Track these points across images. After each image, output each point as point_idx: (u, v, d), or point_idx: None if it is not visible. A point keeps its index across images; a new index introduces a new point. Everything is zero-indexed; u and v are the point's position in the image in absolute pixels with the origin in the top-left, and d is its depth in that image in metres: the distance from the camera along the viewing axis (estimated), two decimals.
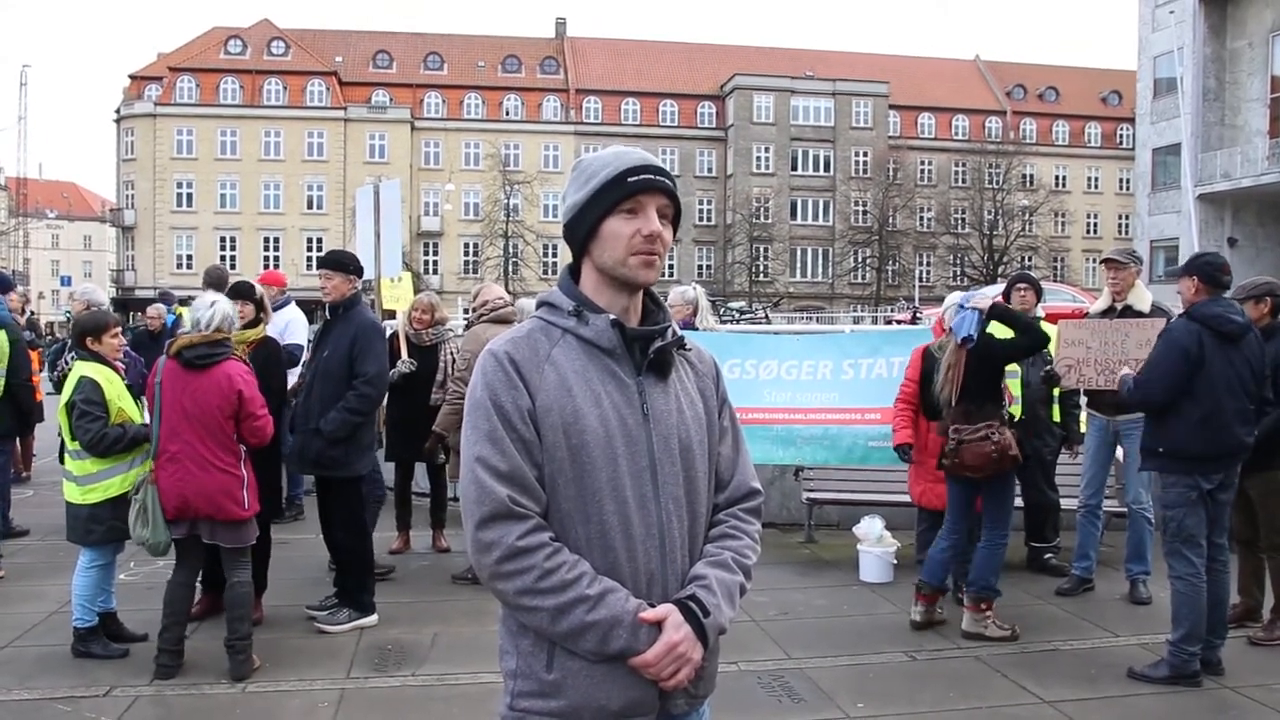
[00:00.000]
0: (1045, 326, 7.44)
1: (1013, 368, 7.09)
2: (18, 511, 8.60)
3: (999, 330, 6.12)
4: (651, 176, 2.02)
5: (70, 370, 5.70)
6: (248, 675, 5.21)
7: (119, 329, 5.86)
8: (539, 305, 2.11)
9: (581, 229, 2.04)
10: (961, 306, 5.99)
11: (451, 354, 7.79)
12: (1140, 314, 6.69)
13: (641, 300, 2.11)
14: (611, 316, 2.02)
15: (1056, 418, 7.52)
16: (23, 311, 9.19)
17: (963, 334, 5.86)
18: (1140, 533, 6.69)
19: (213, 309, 5.34)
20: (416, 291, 8.45)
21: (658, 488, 2.01)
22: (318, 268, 6.47)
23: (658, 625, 1.95)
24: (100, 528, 5.47)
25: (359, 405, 6.01)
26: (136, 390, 6.11)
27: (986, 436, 5.75)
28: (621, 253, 2.01)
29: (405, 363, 7.47)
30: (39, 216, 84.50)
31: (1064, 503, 7.52)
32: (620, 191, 2.00)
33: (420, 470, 8.29)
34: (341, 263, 6.30)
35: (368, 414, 6.14)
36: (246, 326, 6.21)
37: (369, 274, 7.42)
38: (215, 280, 8.34)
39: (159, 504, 5.15)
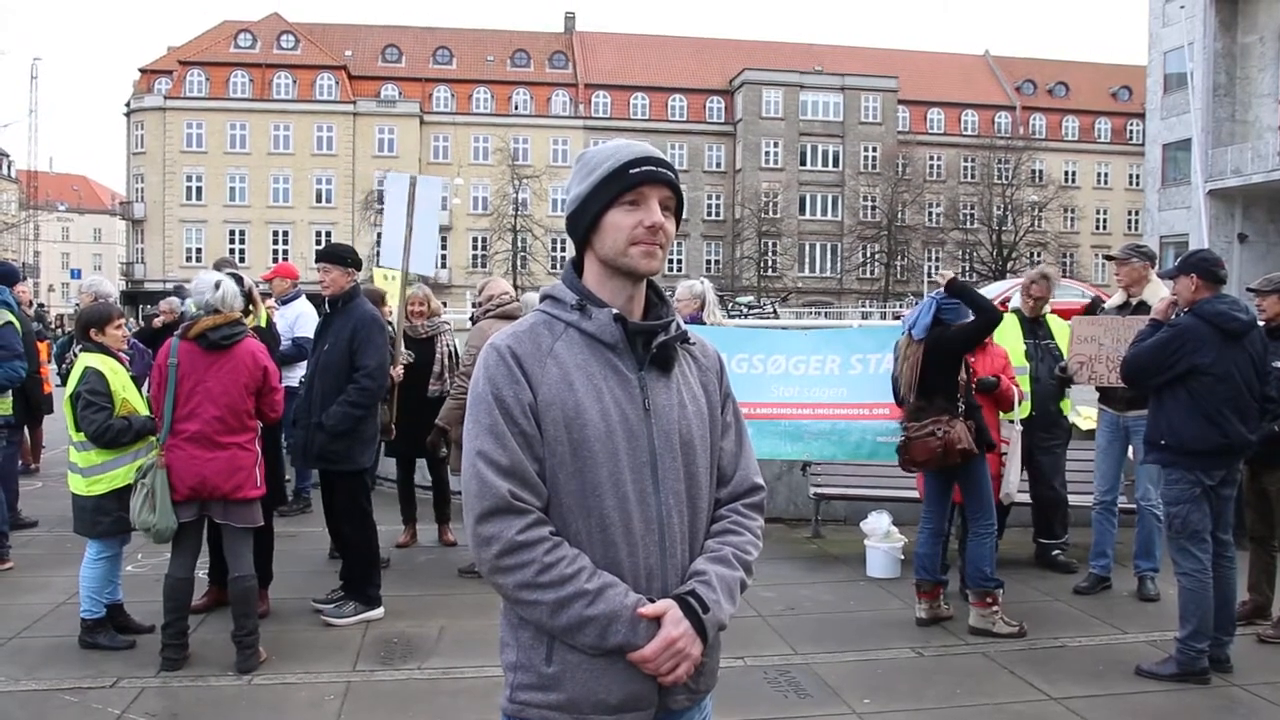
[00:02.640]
0: (1054, 321, 7.47)
1: (1020, 363, 7.10)
2: (26, 503, 8.62)
3: (1005, 328, 6.15)
4: (653, 168, 2.01)
5: (76, 362, 5.70)
6: (255, 668, 5.23)
7: (123, 320, 5.86)
8: (542, 299, 2.11)
9: (584, 221, 2.04)
10: (933, 300, 6.08)
11: (448, 346, 7.78)
12: None
13: (645, 294, 2.10)
14: (614, 310, 2.02)
15: (1066, 410, 7.51)
16: (30, 304, 9.20)
17: (908, 326, 5.99)
18: (1149, 530, 6.67)
19: (220, 290, 5.35)
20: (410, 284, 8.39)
21: (658, 482, 2.00)
22: (315, 261, 6.44)
23: (657, 620, 1.94)
24: (107, 519, 5.47)
25: (360, 398, 5.99)
26: (143, 381, 6.12)
27: (931, 432, 5.84)
28: (623, 243, 2.00)
29: (403, 354, 7.45)
30: (49, 209, 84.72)
31: (1072, 498, 7.51)
32: (622, 183, 1.99)
33: (422, 464, 8.28)
34: (340, 256, 6.28)
35: (369, 407, 6.11)
36: None
37: (396, 264, 7.41)
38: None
39: (168, 487, 5.12)
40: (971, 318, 5.92)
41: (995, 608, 5.96)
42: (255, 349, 5.40)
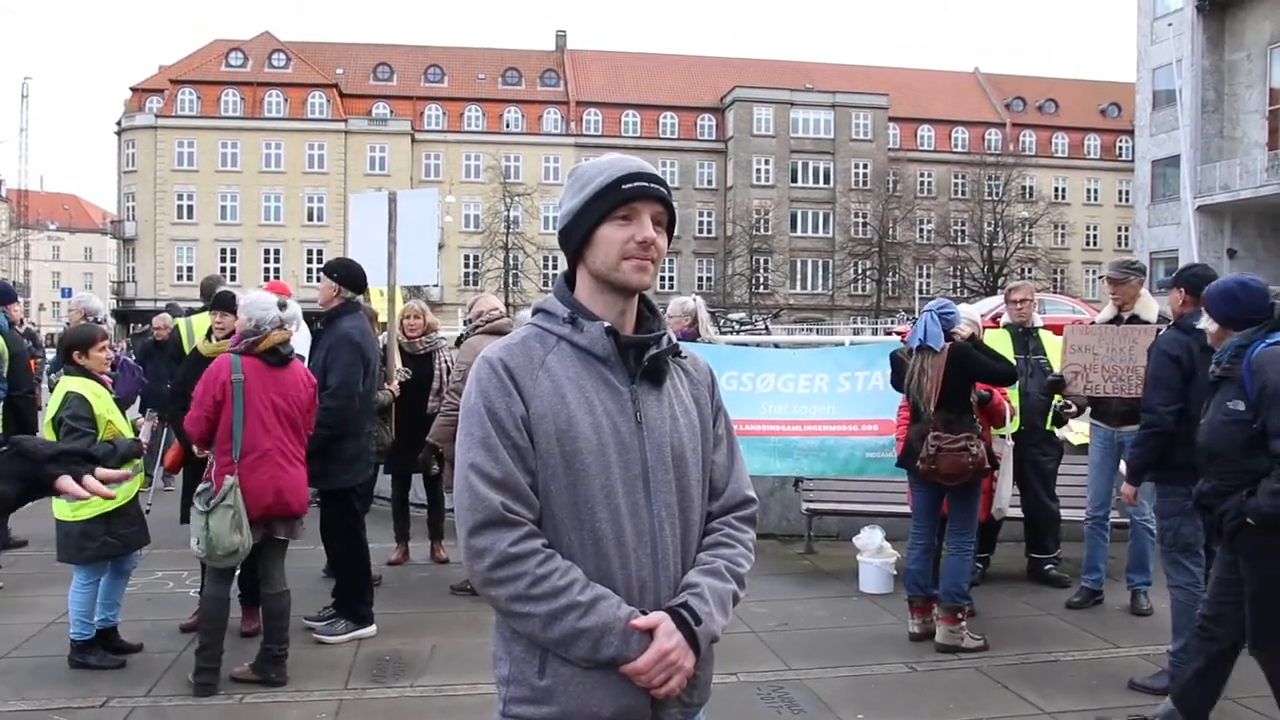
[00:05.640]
0: (1046, 335, 7.49)
1: None
2: (14, 522, 8.56)
3: (997, 343, 6.18)
4: (646, 184, 2.02)
5: (57, 385, 5.62)
6: (286, 681, 5.25)
7: (107, 343, 5.76)
8: (534, 312, 2.12)
9: (576, 235, 2.05)
10: (930, 313, 6.09)
11: (446, 363, 7.76)
12: (1147, 323, 6.69)
13: (637, 307, 2.11)
14: (606, 324, 2.02)
15: (1050, 426, 7.50)
16: (21, 323, 9.18)
17: (917, 339, 6.06)
18: (1141, 543, 6.67)
19: (290, 309, 5.50)
20: (404, 300, 8.41)
21: (650, 495, 2.01)
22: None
23: (649, 633, 1.94)
24: (93, 544, 5.39)
25: (323, 418, 5.83)
26: (139, 399, 6.07)
27: (965, 448, 5.84)
28: (615, 258, 2.01)
29: (400, 371, 7.44)
30: (40, 228, 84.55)
31: (1064, 513, 7.51)
32: (615, 198, 2.00)
33: (418, 481, 8.26)
34: (331, 269, 6.32)
35: (334, 427, 5.92)
36: (228, 338, 6.01)
37: (380, 282, 7.42)
38: (209, 290, 8.33)
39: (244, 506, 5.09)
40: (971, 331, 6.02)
41: (963, 622, 5.98)
42: (302, 367, 5.53)
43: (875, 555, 7.26)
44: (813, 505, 8.23)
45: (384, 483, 8.48)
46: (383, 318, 7.85)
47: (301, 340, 9.09)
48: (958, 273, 61.31)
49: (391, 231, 7.34)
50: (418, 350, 7.74)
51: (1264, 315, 4.29)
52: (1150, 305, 6.82)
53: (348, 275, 6.32)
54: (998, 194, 60.04)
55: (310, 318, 9.27)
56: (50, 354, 14.20)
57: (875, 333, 34.00)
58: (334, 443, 5.96)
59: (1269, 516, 4.02)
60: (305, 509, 5.43)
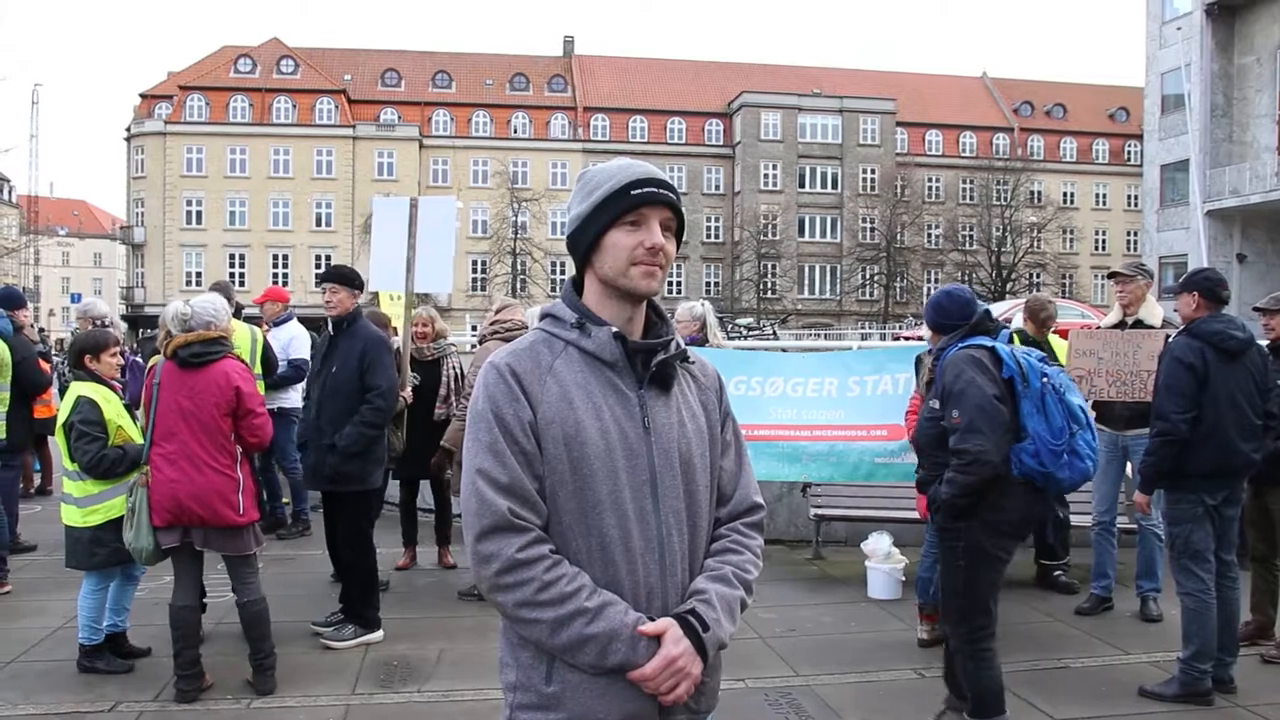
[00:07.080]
0: (1056, 341, 7.47)
1: None
2: (24, 526, 8.59)
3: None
4: (655, 189, 2.02)
5: (68, 390, 5.62)
6: (274, 689, 5.21)
7: (118, 348, 5.78)
8: (542, 317, 2.12)
9: (584, 240, 2.04)
10: None
11: (455, 368, 7.76)
12: (1151, 328, 6.67)
13: (645, 313, 2.11)
14: (614, 329, 2.02)
15: None
16: (30, 327, 9.22)
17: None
18: (1150, 549, 6.64)
19: (189, 305, 5.31)
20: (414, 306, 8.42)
21: (658, 501, 2.00)
22: (321, 282, 6.46)
23: (657, 639, 1.94)
24: (104, 550, 5.38)
25: (373, 418, 6.02)
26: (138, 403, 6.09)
27: None
28: (623, 263, 2.00)
29: (410, 378, 7.43)
30: (50, 234, 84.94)
31: (1073, 519, 7.47)
32: (624, 204, 2.00)
33: (425, 486, 8.26)
34: (346, 277, 6.30)
35: (381, 427, 6.14)
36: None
37: (393, 286, 7.50)
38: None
39: (147, 508, 5.05)
40: None
41: None
42: (230, 369, 5.21)
43: (883, 561, 7.23)
44: (821, 511, 8.20)
45: (391, 488, 8.49)
46: (395, 322, 7.86)
47: (301, 344, 9.16)
48: (966, 278, 61.12)
49: (411, 237, 7.37)
50: (425, 356, 7.75)
51: (963, 321, 4.61)
52: (1155, 310, 6.80)
53: (361, 279, 6.43)
54: (1006, 199, 59.93)
55: (310, 322, 9.31)
56: (57, 358, 14.29)
57: (883, 338, 33.99)
58: (372, 443, 6.08)
59: (944, 505, 4.45)
60: (223, 520, 5.10)
